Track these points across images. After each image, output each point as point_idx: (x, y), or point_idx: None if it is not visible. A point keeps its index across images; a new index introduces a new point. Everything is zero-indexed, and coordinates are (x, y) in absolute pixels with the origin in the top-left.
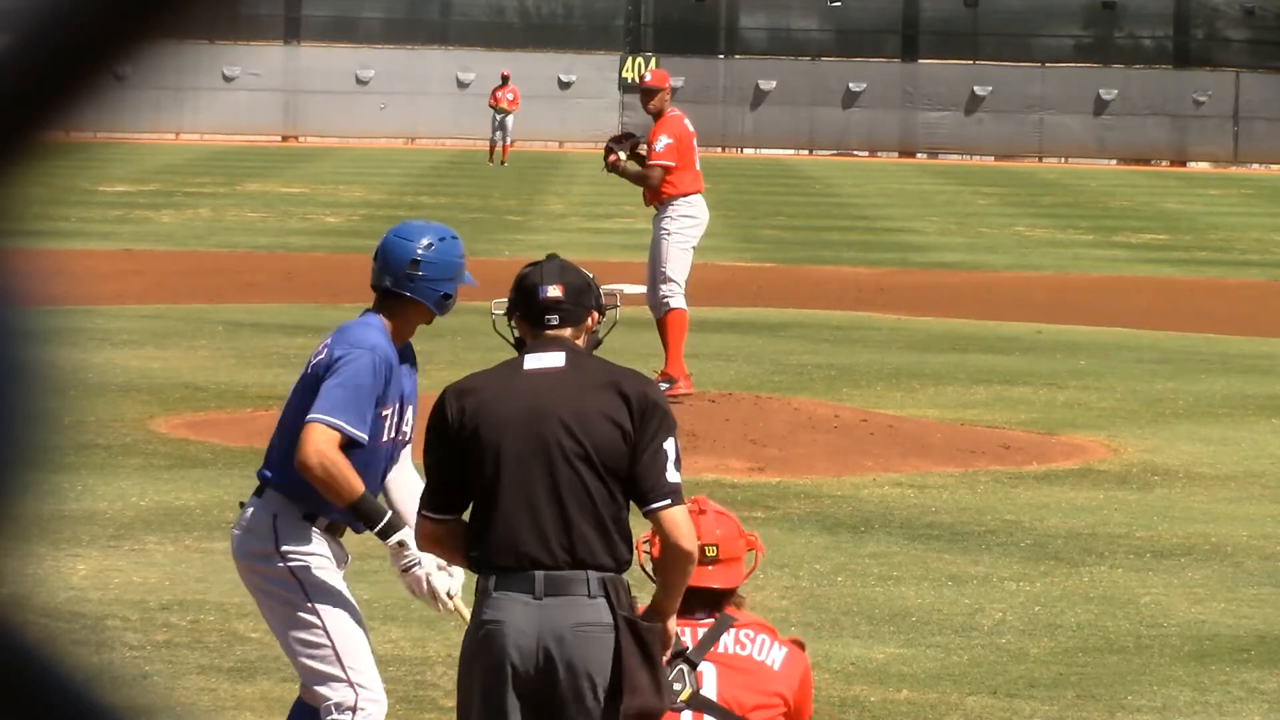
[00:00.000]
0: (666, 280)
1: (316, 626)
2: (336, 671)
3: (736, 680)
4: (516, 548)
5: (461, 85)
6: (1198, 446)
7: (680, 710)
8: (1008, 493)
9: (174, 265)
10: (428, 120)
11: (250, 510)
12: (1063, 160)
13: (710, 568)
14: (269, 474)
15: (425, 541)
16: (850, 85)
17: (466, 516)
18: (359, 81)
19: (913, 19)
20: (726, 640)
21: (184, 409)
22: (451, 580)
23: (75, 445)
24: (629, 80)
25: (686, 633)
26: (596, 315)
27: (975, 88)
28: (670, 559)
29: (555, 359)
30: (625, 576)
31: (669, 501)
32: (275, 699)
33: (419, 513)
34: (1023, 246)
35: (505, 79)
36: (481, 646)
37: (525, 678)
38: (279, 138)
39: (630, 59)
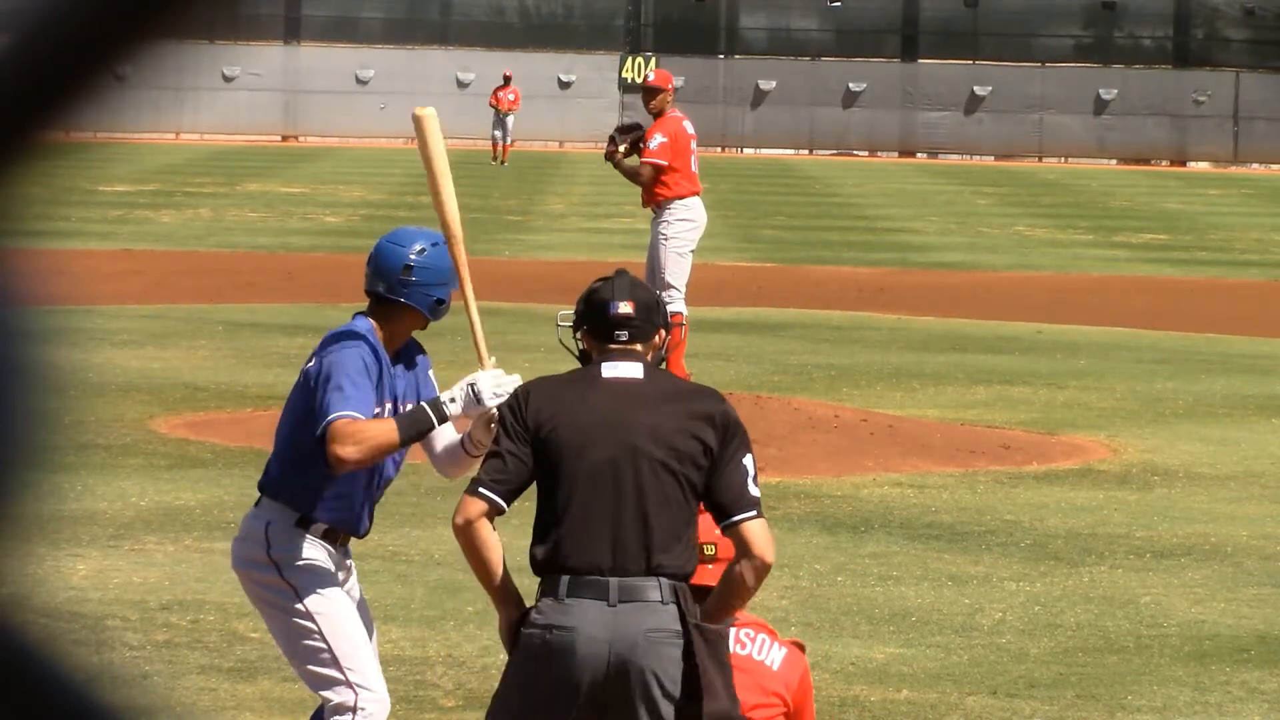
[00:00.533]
0: (666, 287)
1: (312, 630)
2: (335, 674)
3: (736, 679)
4: (595, 552)
5: (461, 85)
6: (1198, 446)
7: None
8: (1008, 493)
9: (174, 265)
10: None
11: (246, 520)
12: (1063, 160)
13: (710, 566)
14: (265, 483)
15: (466, 531)
16: (850, 85)
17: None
18: (359, 81)
19: (913, 19)
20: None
21: (184, 409)
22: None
23: (75, 445)
24: (629, 80)
25: None
26: (663, 333)
27: (975, 88)
28: (745, 567)
29: (633, 369)
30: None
31: (754, 513)
32: (275, 699)
33: (474, 490)
34: (1023, 246)
35: (507, 79)
36: (549, 650)
37: (593, 683)
38: (279, 138)
39: (630, 59)
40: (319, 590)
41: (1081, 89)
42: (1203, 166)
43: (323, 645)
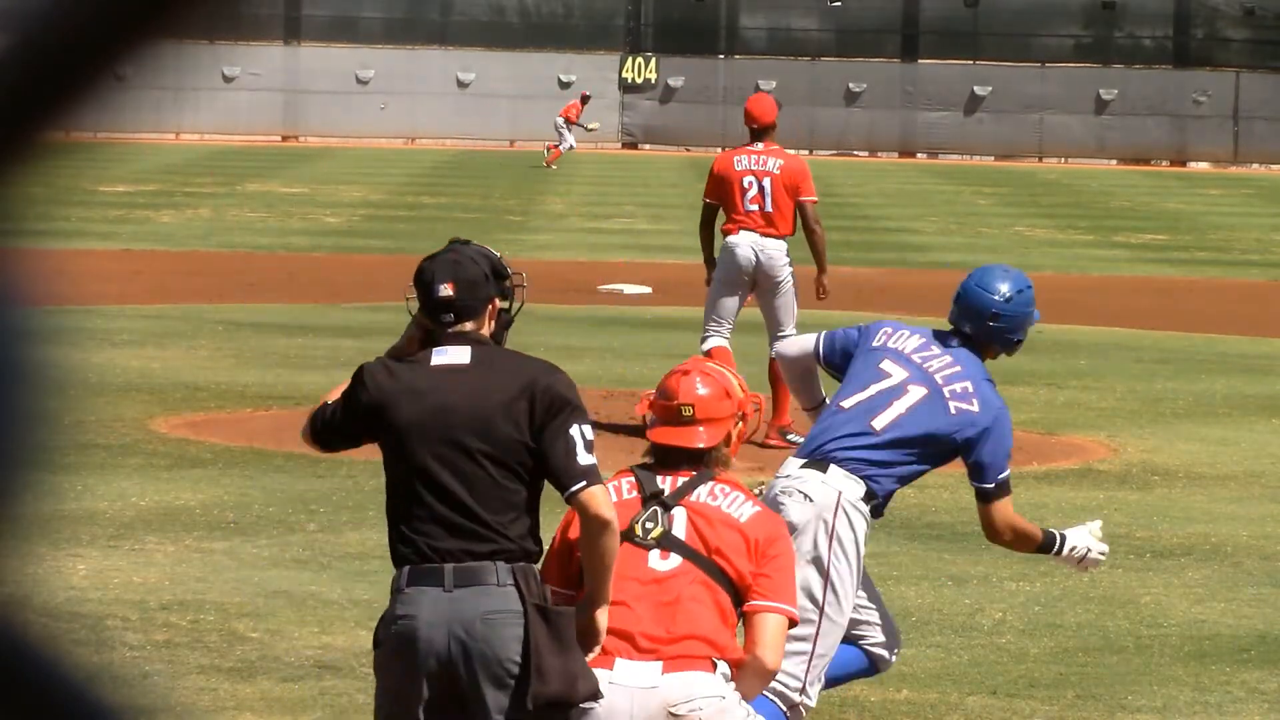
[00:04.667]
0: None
1: None
2: None
3: (702, 524)
4: (427, 543)
5: (461, 85)
6: (1198, 446)
7: (650, 548)
8: None
9: (174, 265)
10: (428, 120)
11: None
12: (1063, 160)
13: (685, 427)
14: None
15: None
16: (850, 85)
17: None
18: (359, 81)
19: (913, 19)
20: (701, 490)
21: (184, 409)
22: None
23: (75, 445)
24: (629, 80)
25: (667, 481)
26: (498, 300)
27: (975, 88)
28: (591, 534)
29: (460, 354)
30: (535, 568)
31: (585, 483)
32: (275, 699)
33: (307, 428)
34: (1023, 246)
35: (585, 99)
36: (394, 641)
37: (437, 670)
38: (279, 138)
39: (630, 59)
40: None
41: (1081, 89)
42: (1203, 166)
43: None
